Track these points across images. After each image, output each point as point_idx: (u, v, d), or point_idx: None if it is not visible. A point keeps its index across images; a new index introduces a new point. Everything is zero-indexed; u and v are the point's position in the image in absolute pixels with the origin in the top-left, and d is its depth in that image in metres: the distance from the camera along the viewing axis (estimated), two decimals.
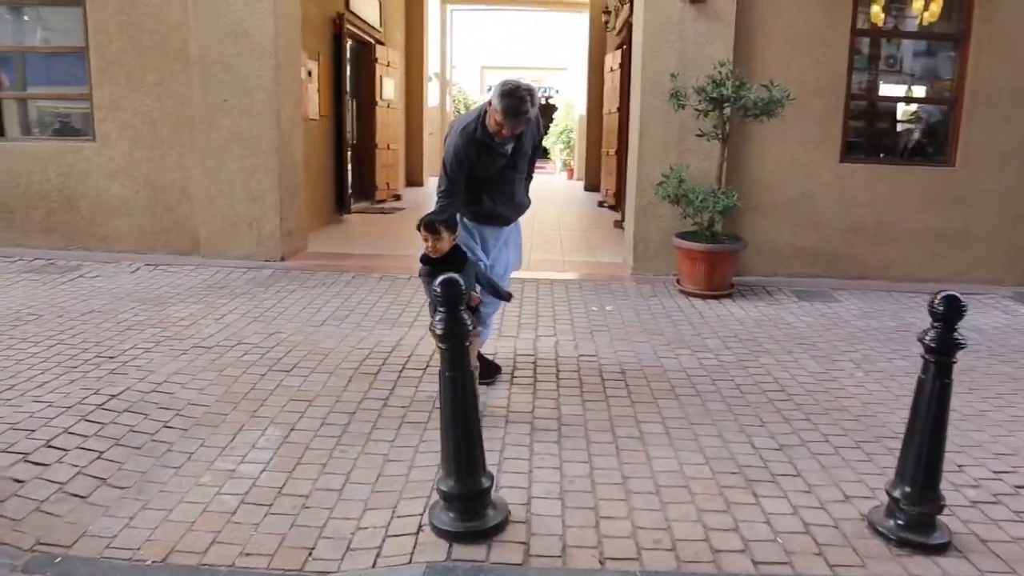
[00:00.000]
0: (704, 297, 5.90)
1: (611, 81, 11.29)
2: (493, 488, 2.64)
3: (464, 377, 2.51)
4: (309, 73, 8.43)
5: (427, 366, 4.22)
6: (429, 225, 3.38)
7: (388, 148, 12.08)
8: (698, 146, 6.26)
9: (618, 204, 10.07)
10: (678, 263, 6.17)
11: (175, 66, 6.70)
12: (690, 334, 4.99)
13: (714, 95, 5.76)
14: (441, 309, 2.47)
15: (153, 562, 2.48)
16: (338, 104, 9.89)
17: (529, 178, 4.04)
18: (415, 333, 4.81)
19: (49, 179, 7.02)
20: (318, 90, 8.89)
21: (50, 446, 3.15)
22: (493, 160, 3.70)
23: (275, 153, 6.64)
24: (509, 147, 3.73)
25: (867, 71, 6.90)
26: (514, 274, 6.46)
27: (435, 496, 2.70)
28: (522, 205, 3.97)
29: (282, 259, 6.79)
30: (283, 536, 2.60)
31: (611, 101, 11.24)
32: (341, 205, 10.08)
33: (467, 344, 2.53)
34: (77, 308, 5.26)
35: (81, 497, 2.83)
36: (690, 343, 4.79)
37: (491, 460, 3.02)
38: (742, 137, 6.35)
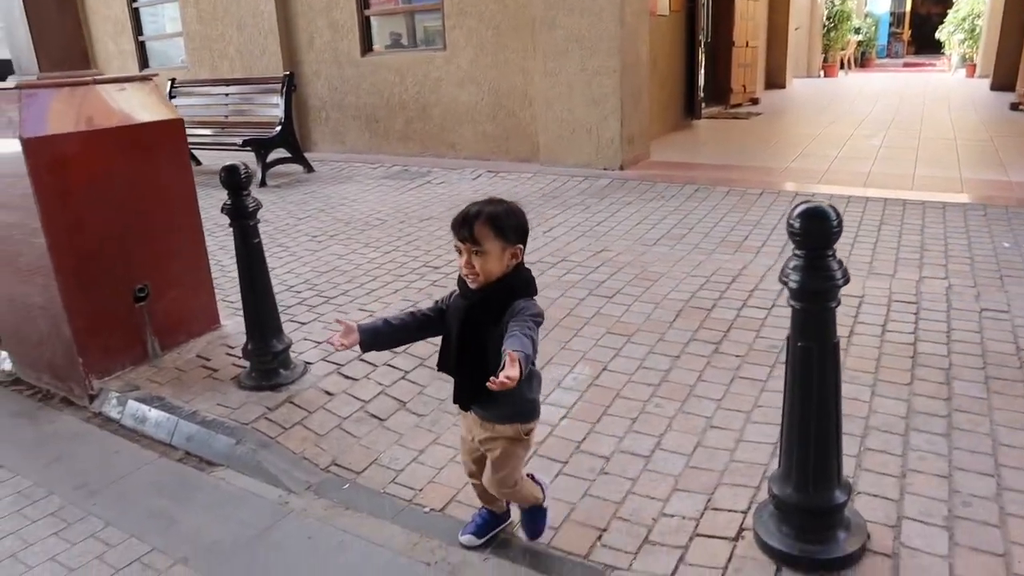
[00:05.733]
0: None
1: None
2: (849, 500, 1.91)
3: (824, 352, 1.75)
4: None
5: (773, 305, 3.46)
6: (464, 220, 1.69)
7: (747, 46, 10.87)
8: None
9: None
10: None
11: None
12: None
13: None
14: (798, 253, 1.71)
15: (431, 510, 2.24)
16: None
17: None
18: (762, 262, 4.04)
19: (407, 89, 7.36)
20: None
21: (361, 359, 3.11)
22: None
23: (617, 53, 6.10)
24: None
25: None
26: (892, 193, 5.27)
27: (764, 489, 2.06)
28: None
29: (621, 168, 6.34)
30: (572, 507, 2.18)
31: None
32: (691, 110, 9.30)
33: (833, 305, 1.74)
34: (418, 214, 5.39)
35: (379, 419, 2.73)
36: None
37: (846, 448, 2.26)
38: None
